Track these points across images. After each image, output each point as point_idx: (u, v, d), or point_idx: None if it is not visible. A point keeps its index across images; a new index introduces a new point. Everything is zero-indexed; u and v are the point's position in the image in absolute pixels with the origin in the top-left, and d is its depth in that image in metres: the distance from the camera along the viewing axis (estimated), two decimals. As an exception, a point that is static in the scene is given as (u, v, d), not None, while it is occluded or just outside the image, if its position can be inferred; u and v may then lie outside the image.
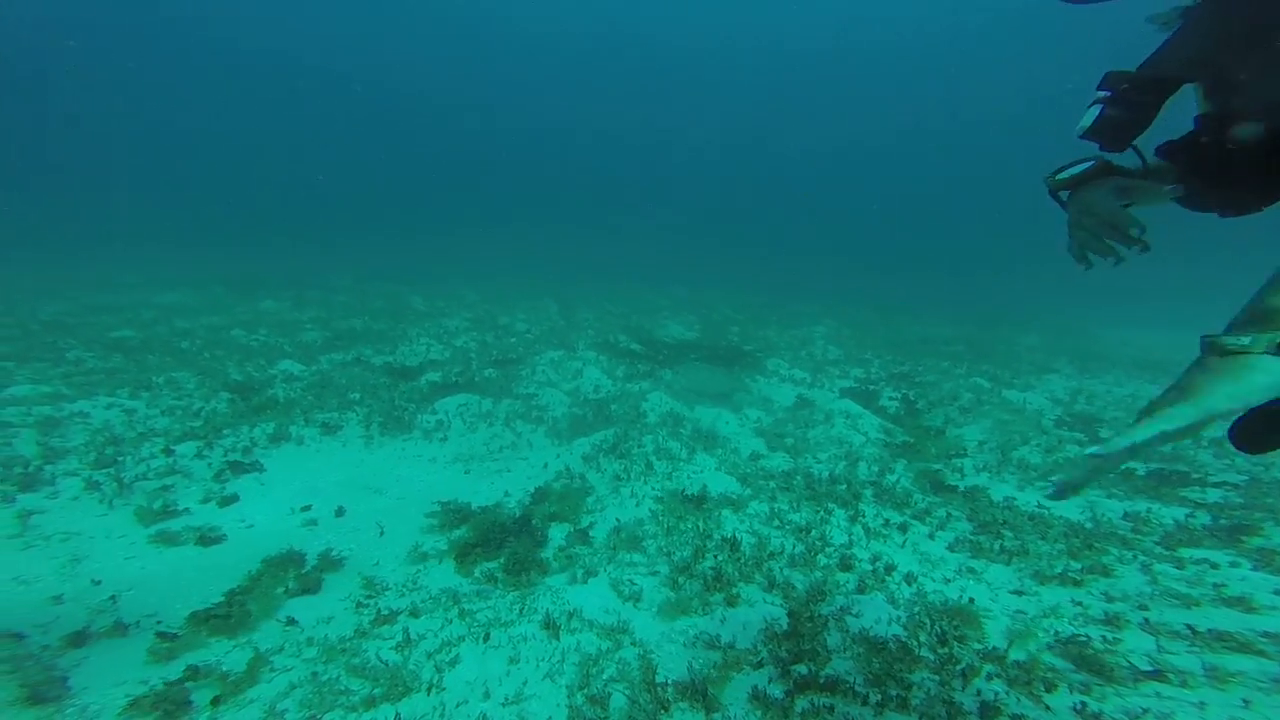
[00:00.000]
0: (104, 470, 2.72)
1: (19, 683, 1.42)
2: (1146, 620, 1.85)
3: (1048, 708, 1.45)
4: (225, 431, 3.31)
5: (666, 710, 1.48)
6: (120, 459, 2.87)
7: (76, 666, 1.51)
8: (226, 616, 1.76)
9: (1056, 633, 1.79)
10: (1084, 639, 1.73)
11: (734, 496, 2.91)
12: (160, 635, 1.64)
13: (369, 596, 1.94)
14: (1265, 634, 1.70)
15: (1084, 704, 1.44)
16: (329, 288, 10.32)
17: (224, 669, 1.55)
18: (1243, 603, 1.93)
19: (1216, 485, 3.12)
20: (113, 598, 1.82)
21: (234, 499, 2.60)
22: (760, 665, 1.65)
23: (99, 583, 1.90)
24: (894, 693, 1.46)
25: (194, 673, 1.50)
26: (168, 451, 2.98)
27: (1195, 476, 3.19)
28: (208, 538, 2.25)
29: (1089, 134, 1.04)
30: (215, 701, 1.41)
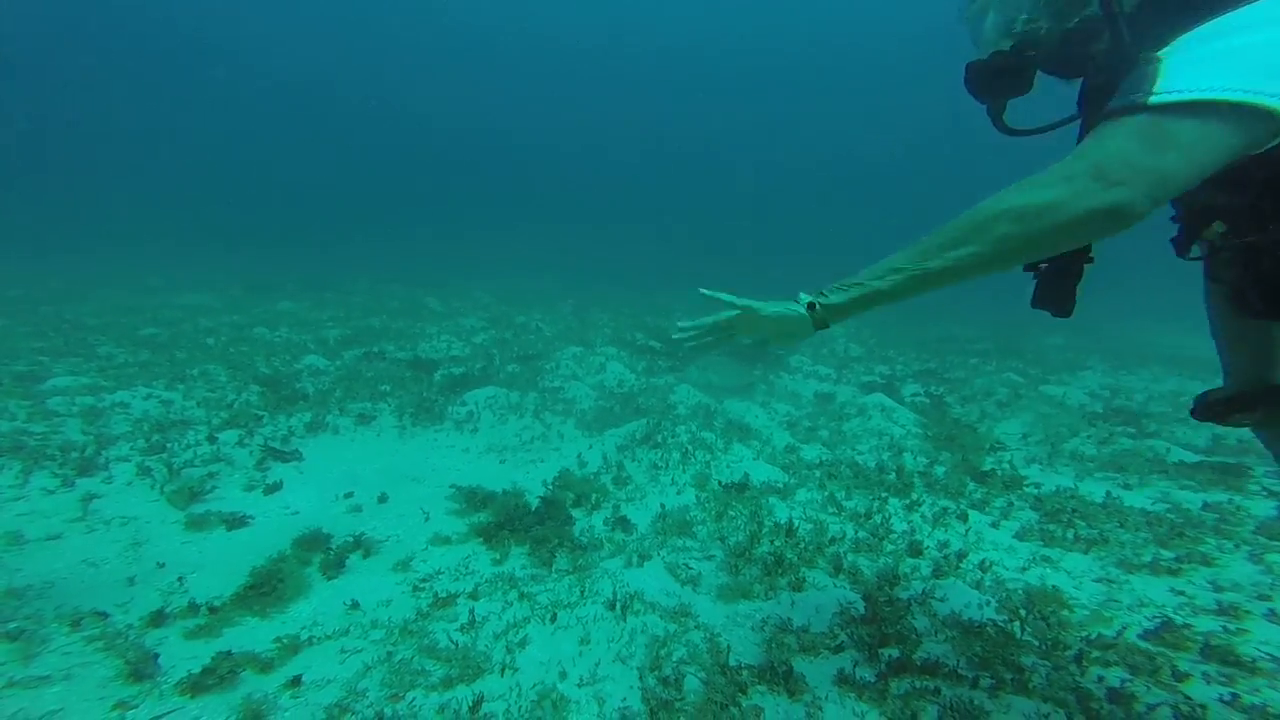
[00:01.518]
0: (153, 457, 2.69)
1: (119, 658, 1.40)
2: (1272, 610, 1.74)
3: (1187, 697, 1.34)
4: (264, 420, 3.28)
5: (744, 693, 1.41)
6: (167, 446, 2.84)
7: (160, 644, 1.47)
8: (284, 599, 1.70)
9: (1164, 620, 1.67)
10: (1200, 629, 1.62)
11: (778, 485, 2.83)
12: (218, 614, 1.59)
13: (425, 580, 1.87)
14: None
15: (1235, 695, 1.33)
16: (345, 290, 10.37)
17: (293, 649, 1.48)
18: None
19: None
20: (180, 579, 1.77)
21: (278, 486, 2.55)
22: (840, 649, 1.57)
23: (163, 565, 1.86)
24: (1008, 676, 1.36)
25: (259, 656, 1.44)
26: (211, 439, 2.95)
27: (1261, 470, 3.06)
28: (254, 523, 2.20)
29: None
30: (294, 682, 1.35)
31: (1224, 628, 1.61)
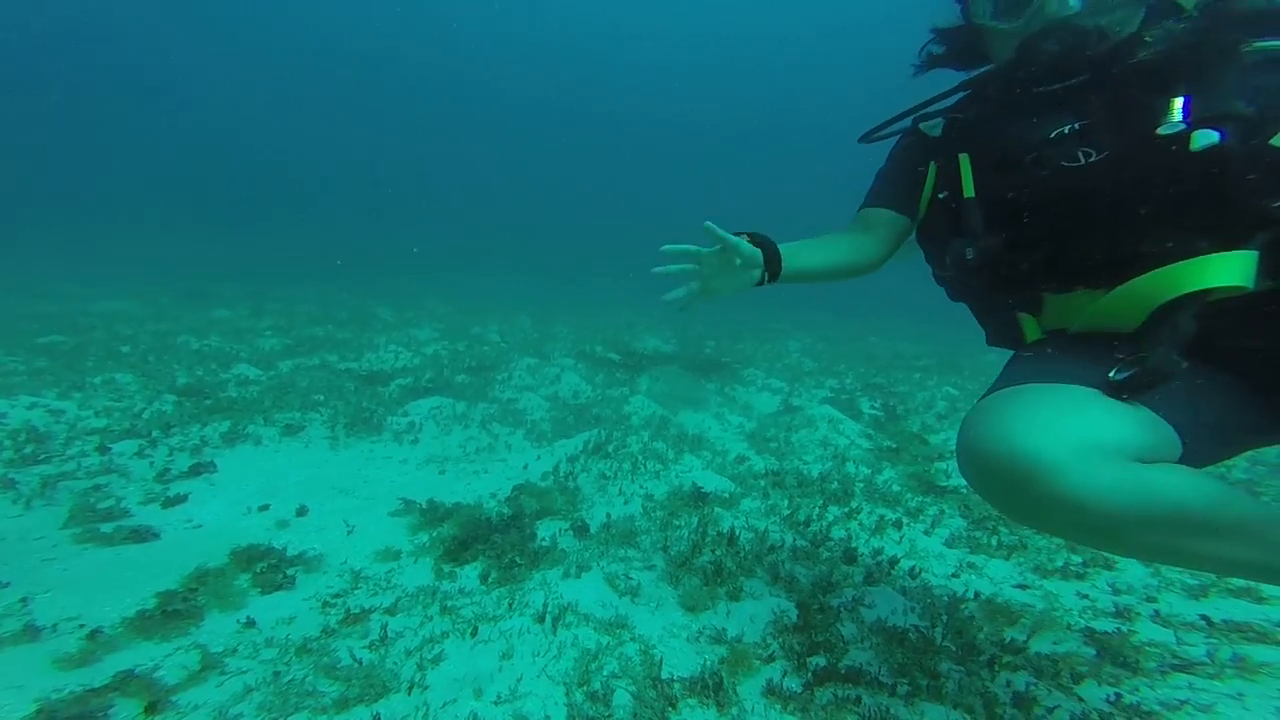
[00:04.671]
0: (23, 469, 2.40)
1: None
2: (1157, 612, 1.83)
3: (1080, 699, 1.38)
4: (173, 430, 3.02)
5: (674, 706, 1.35)
6: (44, 457, 2.55)
7: None
8: (169, 617, 1.52)
9: (1068, 625, 1.74)
10: (1099, 631, 1.69)
11: (725, 494, 2.81)
12: (83, 638, 1.40)
13: (336, 596, 1.73)
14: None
15: (1118, 695, 1.38)
16: (290, 299, 9.86)
17: (160, 674, 1.32)
18: (1250, 593, 1.92)
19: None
20: (23, 600, 1.55)
21: (181, 499, 2.33)
22: (772, 659, 1.54)
23: (7, 585, 1.62)
24: (924, 682, 1.36)
25: (124, 678, 1.27)
26: (102, 450, 2.67)
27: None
28: (145, 536, 1.99)
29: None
30: (150, 709, 1.19)
31: (1117, 629, 1.68)
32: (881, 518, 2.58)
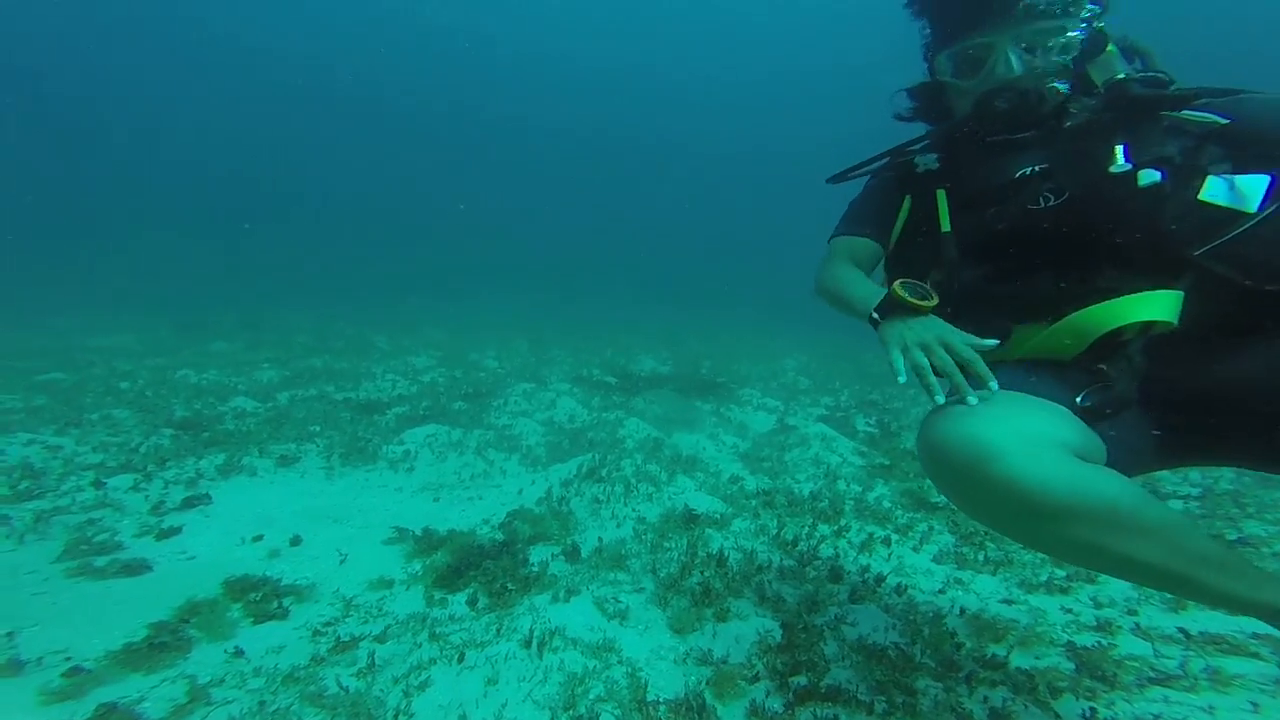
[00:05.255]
0: (17, 505, 2.43)
1: None
2: (1137, 625, 1.85)
3: (1057, 715, 1.40)
4: (169, 464, 3.05)
5: (660, 730, 1.36)
6: (38, 493, 2.58)
7: None
8: (155, 650, 1.54)
9: (1051, 640, 1.76)
10: (1080, 646, 1.71)
11: (717, 515, 2.84)
12: (67, 672, 1.42)
13: (327, 624, 1.75)
14: (1254, 635, 1.71)
15: (1093, 710, 1.40)
16: (287, 328, 9.96)
17: (145, 706, 1.34)
18: None
19: (1180, 498, 3.24)
20: (9, 634, 1.57)
21: (175, 531, 2.35)
22: (756, 679, 1.56)
23: (-4, 620, 1.64)
24: (900, 699, 1.38)
25: (108, 710, 1.29)
26: (97, 485, 2.70)
27: (1153, 490, 3.31)
28: (138, 569, 2.01)
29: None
30: (139, 742, 1.21)
31: (1097, 643, 1.70)
32: (870, 535, 2.60)
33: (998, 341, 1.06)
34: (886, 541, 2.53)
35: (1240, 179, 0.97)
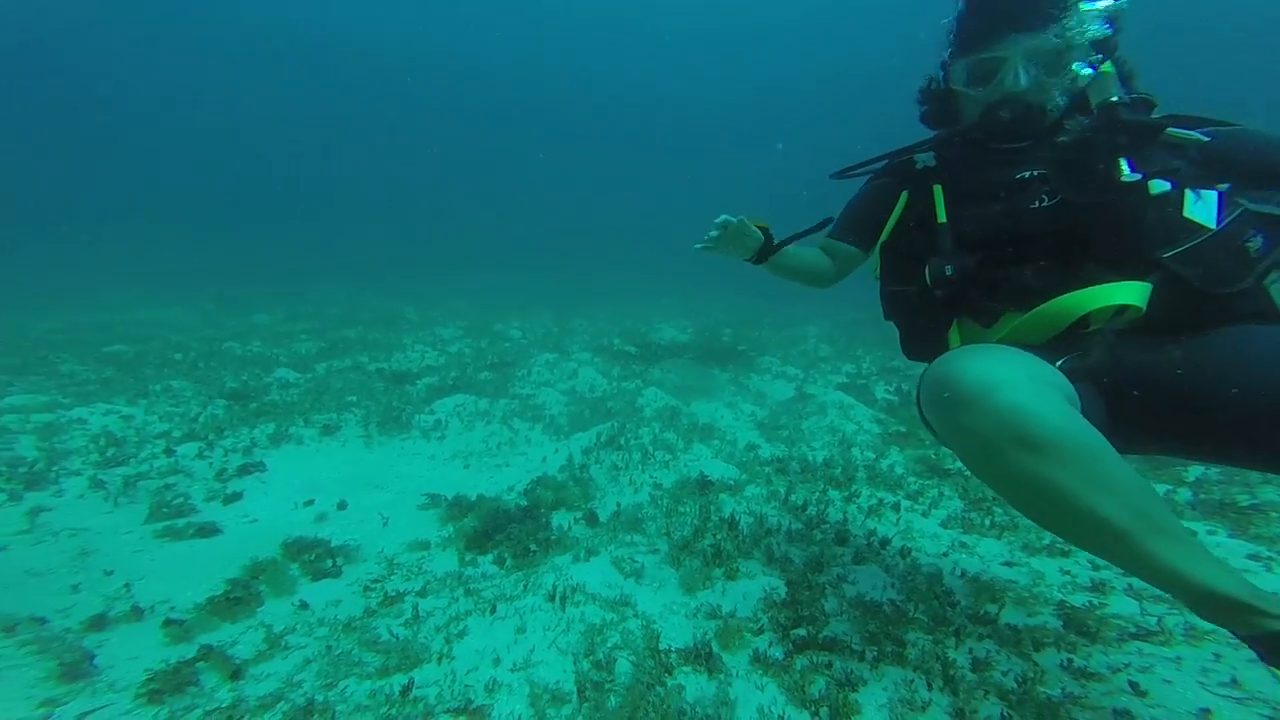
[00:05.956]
0: (108, 470, 2.74)
1: (53, 659, 1.46)
2: (1130, 585, 1.91)
3: (1036, 664, 1.50)
4: (226, 433, 3.33)
5: (670, 673, 1.52)
6: (123, 460, 2.88)
7: (100, 647, 1.54)
8: (236, 602, 1.78)
9: (1046, 599, 1.85)
10: (1071, 605, 1.79)
11: (731, 482, 2.96)
12: (170, 621, 1.66)
13: (375, 581, 1.97)
14: None
15: (1070, 660, 1.49)
16: (322, 301, 10.34)
17: (237, 649, 1.57)
18: None
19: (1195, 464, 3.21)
20: (127, 585, 1.84)
21: (237, 496, 2.62)
22: (760, 631, 1.70)
23: (111, 573, 1.92)
24: (890, 649, 1.51)
25: (208, 652, 1.52)
26: (169, 452, 3.00)
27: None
28: (210, 531, 2.27)
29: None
30: (235, 675, 1.44)
31: (1089, 602, 1.78)
32: (880, 501, 2.70)
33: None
34: (896, 507, 2.62)
35: (1206, 194, 1.12)
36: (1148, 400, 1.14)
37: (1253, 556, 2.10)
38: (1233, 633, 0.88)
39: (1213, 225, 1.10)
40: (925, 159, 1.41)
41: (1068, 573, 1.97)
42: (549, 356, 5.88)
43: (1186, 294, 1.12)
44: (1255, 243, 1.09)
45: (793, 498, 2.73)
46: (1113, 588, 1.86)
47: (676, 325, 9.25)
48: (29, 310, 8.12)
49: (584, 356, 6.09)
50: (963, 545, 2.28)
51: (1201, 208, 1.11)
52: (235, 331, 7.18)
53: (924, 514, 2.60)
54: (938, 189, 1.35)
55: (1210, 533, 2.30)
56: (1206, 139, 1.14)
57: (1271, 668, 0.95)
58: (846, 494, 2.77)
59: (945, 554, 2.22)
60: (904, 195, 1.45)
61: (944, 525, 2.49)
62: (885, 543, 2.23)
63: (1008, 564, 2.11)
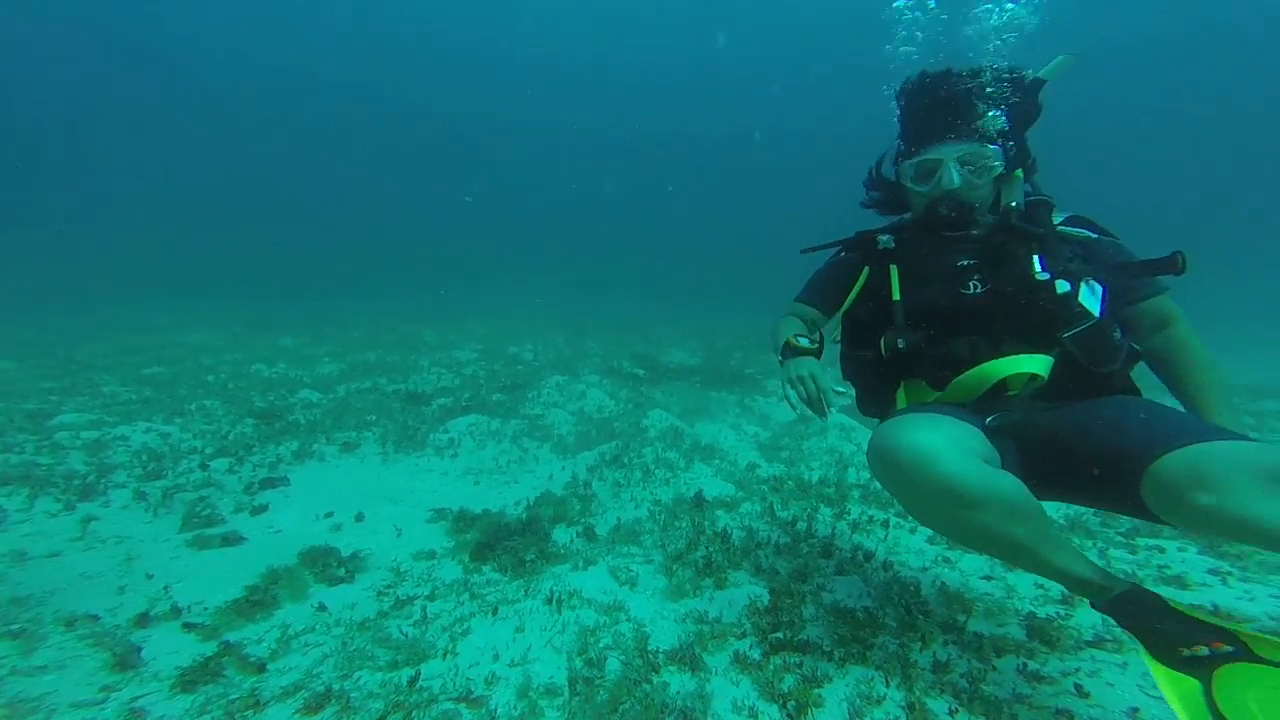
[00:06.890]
0: (149, 483, 2.98)
1: (107, 651, 1.65)
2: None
3: (994, 668, 1.59)
4: (254, 450, 3.57)
5: (657, 671, 1.65)
6: (161, 473, 3.12)
7: (145, 641, 1.72)
8: (261, 604, 1.96)
9: (1016, 610, 1.93)
10: (1039, 616, 1.87)
11: (728, 499, 3.08)
12: (198, 623, 1.85)
13: (388, 587, 2.13)
14: (1191, 605, 1.82)
15: (1025, 664, 1.58)
16: (345, 324, 10.76)
17: (261, 646, 1.74)
18: (1179, 580, 2.12)
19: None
20: (166, 588, 2.04)
21: (264, 508, 2.82)
22: (743, 635, 1.81)
23: (151, 576, 2.12)
24: (856, 650, 1.61)
25: (235, 648, 1.69)
26: (203, 467, 3.23)
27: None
28: (235, 540, 2.47)
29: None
30: (259, 668, 1.60)
31: (1057, 614, 1.86)
32: (870, 518, 2.79)
33: (850, 388, 1.69)
34: (885, 524, 2.72)
35: (1096, 286, 1.40)
36: (1046, 453, 1.33)
37: (1213, 571, 2.18)
38: (1096, 606, 1.18)
39: (1096, 314, 1.37)
40: (886, 240, 1.62)
41: (1041, 587, 2.05)
42: (559, 378, 6.08)
43: (1077, 368, 1.38)
44: (1117, 333, 1.38)
45: (782, 514, 2.84)
46: (1081, 601, 1.93)
47: (687, 348, 9.42)
48: (73, 334, 8.64)
49: (593, 379, 6.27)
50: (945, 560, 2.37)
51: (1092, 298, 1.38)
52: (262, 354, 7.54)
53: (911, 531, 2.69)
54: (894, 268, 1.56)
55: (1180, 550, 2.35)
56: (1093, 235, 1.45)
57: (1127, 631, 1.14)
58: (837, 511, 2.87)
59: (926, 568, 2.30)
60: (865, 271, 1.67)
61: (930, 541, 2.57)
62: (869, 556, 2.33)
63: (986, 578, 2.19)
